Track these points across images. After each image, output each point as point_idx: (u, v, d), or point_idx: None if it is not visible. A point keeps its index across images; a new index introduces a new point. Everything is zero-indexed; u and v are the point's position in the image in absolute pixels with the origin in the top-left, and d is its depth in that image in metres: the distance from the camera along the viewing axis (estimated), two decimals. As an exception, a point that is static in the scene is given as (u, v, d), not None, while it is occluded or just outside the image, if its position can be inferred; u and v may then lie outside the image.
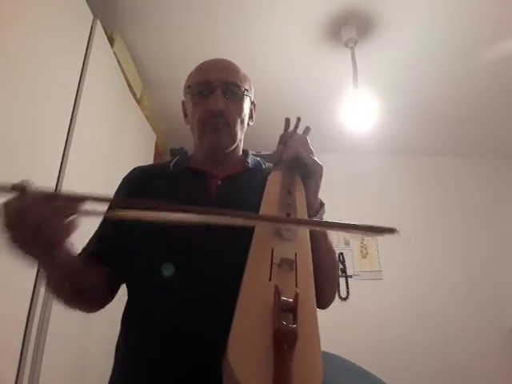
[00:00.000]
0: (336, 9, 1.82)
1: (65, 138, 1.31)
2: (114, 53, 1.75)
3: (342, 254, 2.93)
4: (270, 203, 0.60)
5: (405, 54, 2.11)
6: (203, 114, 0.77)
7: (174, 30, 1.92)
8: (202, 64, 0.85)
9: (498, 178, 3.24)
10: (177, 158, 0.88)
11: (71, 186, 1.30)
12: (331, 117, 2.62)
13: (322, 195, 0.72)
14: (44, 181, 1.20)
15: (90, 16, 1.50)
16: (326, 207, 0.72)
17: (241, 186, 0.78)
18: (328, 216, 0.70)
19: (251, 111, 0.90)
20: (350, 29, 1.90)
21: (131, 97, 2.02)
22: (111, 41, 1.72)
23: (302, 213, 0.60)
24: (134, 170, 0.89)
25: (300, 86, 2.37)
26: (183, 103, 0.89)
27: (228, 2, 1.79)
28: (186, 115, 0.88)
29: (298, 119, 0.80)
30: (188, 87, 0.83)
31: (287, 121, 0.80)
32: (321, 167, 0.69)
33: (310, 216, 0.66)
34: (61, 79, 1.29)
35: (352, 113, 2.12)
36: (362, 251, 2.97)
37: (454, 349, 2.63)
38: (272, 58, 2.14)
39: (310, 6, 1.80)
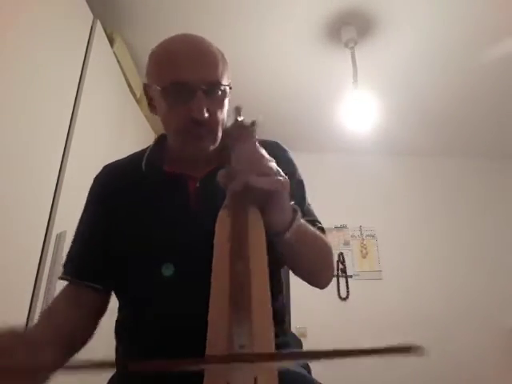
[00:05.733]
0: (336, 9, 1.82)
1: (65, 138, 1.31)
2: (114, 53, 1.75)
3: (341, 253, 2.93)
4: (219, 269, 0.48)
5: (405, 54, 2.11)
6: (184, 123, 0.66)
7: (173, 30, 1.90)
8: (172, 54, 0.69)
9: (500, 178, 3.24)
10: (148, 151, 0.79)
11: (71, 186, 1.31)
12: (331, 117, 2.62)
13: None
14: (44, 181, 1.20)
15: (90, 16, 1.50)
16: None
17: None
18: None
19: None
20: (350, 29, 1.91)
21: (131, 97, 2.02)
22: (111, 41, 1.72)
23: (258, 272, 0.48)
24: (104, 169, 0.85)
25: (300, 87, 2.37)
26: (145, 87, 0.75)
27: (228, 3, 1.79)
28: (152, 105, 0.75)
29: (237, 109, 0.59)
30: (159, 86, 0.67)
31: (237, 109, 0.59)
32: (281, 185, 0.52)
33: (277, 235, 0.56)
34: (61, 79, 1.29)
35: (352, 113, 2.12)
36: (362, 251, 2.96)
37: (454, 348, 2.63)
38: (272, 59, 2.14)
39: (309, 6, 1.80)
